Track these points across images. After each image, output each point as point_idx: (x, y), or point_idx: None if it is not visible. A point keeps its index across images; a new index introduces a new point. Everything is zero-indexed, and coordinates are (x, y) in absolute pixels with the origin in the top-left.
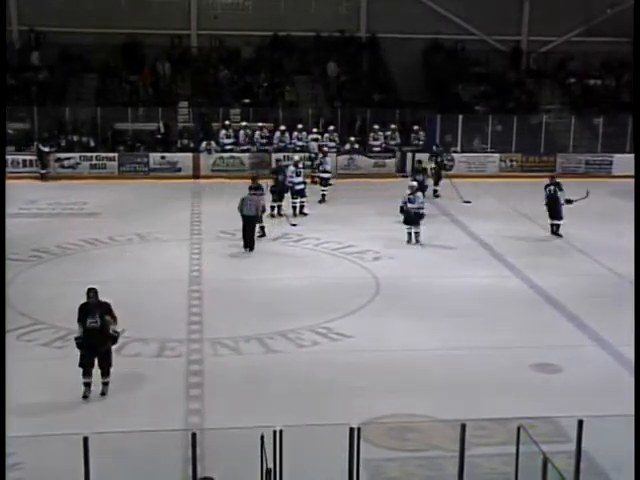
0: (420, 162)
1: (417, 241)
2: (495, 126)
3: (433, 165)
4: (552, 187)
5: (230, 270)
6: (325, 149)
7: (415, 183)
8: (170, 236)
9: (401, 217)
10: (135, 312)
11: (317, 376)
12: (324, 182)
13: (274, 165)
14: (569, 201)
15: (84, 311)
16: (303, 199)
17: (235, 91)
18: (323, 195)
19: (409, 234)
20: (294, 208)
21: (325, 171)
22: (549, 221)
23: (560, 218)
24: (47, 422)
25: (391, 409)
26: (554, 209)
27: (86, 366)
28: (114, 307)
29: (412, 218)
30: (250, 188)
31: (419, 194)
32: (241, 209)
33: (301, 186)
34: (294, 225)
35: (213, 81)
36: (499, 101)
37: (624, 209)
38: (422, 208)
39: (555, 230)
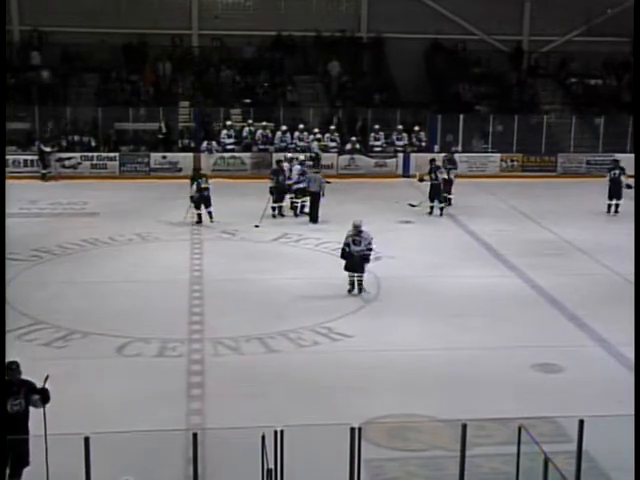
0: (434, 160)
1: (360, 290)
2: (496, 126)
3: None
4: (617, 171)
5: (231, 270)
6: (301, 158)
7: (360, 220)
8: (171, 236)
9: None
10: (136, 312)
11: (318, 376)
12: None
13: (274, 166)
14: (629, 186)
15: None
16: (305, 198)
17: (236, 91)
18: (296, 207)
19: (352, 282)
20: (295, 207)
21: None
22: (607, 201)
23: (620, 198)
24: (47, 422)
25: (392, 409)
26: (615, 190)
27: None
28: (115, 307)
29: (357, 263)
30: (194, 179)
31: (366, 232)
32: (307, 186)
33: (304, 185)
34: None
35: (214, 81)
36: (500, 101)
37: (625, 209)
38: (371, 249)
39: (615, 209)
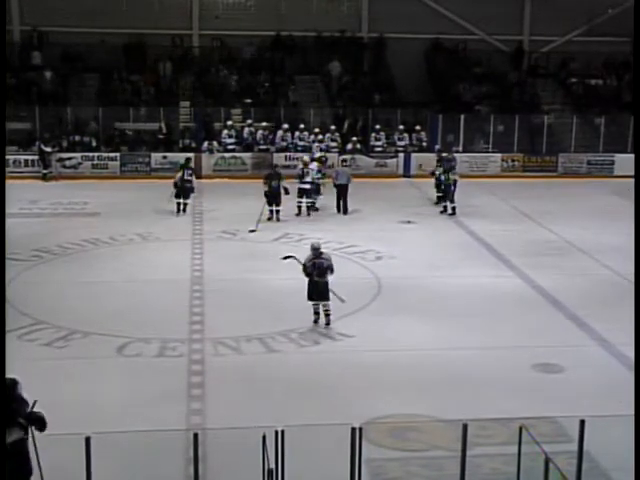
0: (441, 150)
1: (328, 322)
2: (497, 126)
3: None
4: None
5: (231, 270)
6: (306, 159)
7: (319, 242)
8: (171, 236)
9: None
10: (136, 312)
11: (318, 376)
12: (305, 193)
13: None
14: None
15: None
16: (310, 200)
17: (236, 91)
18: (299, 207)
19: (317, 312)
20: (299, 207)
21: (305, 182)
22: None
23: None
24: (47, 422)
25: (392, 409)
26: None
27: None
28: (116, 307)
29: (321, 291)
30: (182, 167)
31: (327, 254)
32: (335, 179)
33: (310, 186)
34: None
35: (215, 81)
36: (501, 101)
37: (625, 208)
38: (333, 271)
39: None
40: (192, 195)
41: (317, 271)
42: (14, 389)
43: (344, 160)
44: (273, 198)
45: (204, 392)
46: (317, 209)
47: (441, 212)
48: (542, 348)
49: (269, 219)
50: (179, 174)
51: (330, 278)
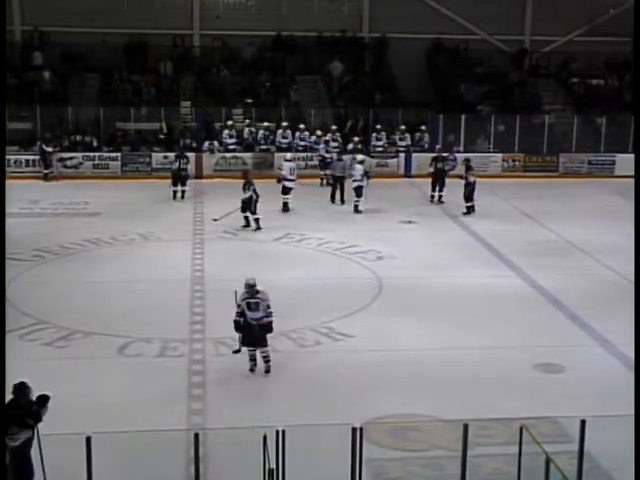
0: (469, 160)
1: (268, 370)
2: (498, 126)
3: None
4: None
5: (232, 270)
6: (288, 156)
7: (254, 279)
8: (172, 236)
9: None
10: (137, 312)
11: (319, 376)
12: (285, 190)
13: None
14: None
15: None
16: (359, 198)
17: (237, 91)
18: (285, 204)
19: (253, 358)
20: (284, 204)
21: (286, 179)
22: None
23: None
24: (48, 422)
25: (393, 409)
26: None
27: None
28: (117, 307)
29: (257, 335)
30: (177, 157)
31: (263, 292)
32: (334, 169)
33: (361, 183)
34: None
35: (215, 81)
36: (502, 101)
37: (626, 208)
38: (271, 314)
39: None
40: (188, 182)
41: (252, 312)
42: (26, 393)
43: (339, 154)
44: (250, 208)
45: (205, 392)
46: (360, 211)
47: (464, 213)
48: (543, 348)
49: (245, 226)
50: (175, 164)
51: (268, 320)
